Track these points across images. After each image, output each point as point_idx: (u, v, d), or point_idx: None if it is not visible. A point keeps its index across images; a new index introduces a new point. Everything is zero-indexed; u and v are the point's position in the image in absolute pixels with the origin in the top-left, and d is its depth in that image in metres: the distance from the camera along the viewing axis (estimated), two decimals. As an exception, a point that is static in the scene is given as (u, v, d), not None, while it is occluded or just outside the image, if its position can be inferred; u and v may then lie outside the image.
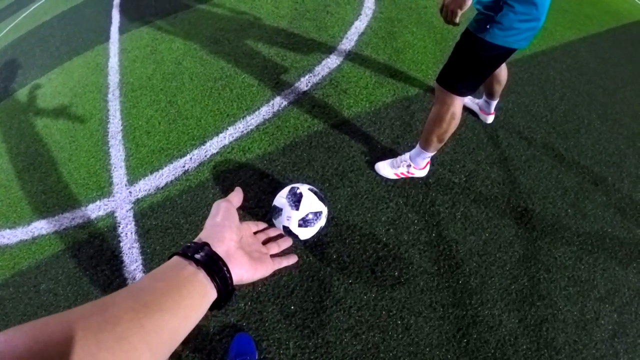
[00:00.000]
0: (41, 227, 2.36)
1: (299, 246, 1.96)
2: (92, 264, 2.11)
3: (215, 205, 0.54)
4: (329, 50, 2.97)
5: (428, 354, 1.66)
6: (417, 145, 2.01)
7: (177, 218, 2.15)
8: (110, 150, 2.60)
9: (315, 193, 1.81)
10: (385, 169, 2.18)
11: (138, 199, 2.29)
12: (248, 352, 1.68)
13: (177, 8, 3.80)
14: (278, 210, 1.79)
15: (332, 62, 2.87)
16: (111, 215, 2.27)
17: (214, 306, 0.46)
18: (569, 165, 2.31)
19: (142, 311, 0.36)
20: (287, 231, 1.73)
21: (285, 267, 0.59)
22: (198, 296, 0.42)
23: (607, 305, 1.79)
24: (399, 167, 2.13)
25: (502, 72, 2.16)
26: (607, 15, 3.77)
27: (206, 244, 0.47)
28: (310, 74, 2.80)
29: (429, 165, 2.15)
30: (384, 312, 1.76)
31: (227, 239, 0.49)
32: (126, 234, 2.17)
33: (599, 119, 2.63)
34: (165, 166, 2.41)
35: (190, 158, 2.42)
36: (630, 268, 1.94)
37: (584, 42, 3.30)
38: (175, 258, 0.45)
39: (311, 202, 1.78)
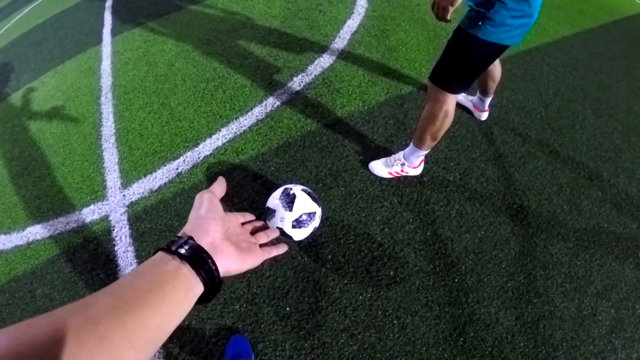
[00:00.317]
0: (36, 232, 2.34)
1: (293, 247, 1.94)
2: (88, 268, 2.09)
3: (198, 197, 0.53)
4: (322, 49, 2.94)
5: (425, 353, 1.64)
6: (411, 144, 1.99)
7: (171, 221, 2.12)
8: (103, 153, 2.58)
9: (308, 194, 1.79)
10: (379, 168, 2.16)
11: (132, 202, 2.26)
12: (244, 354, 1.67)
13: (169, 9, 3.77)
14: (271, 212, 1.76)
15: (324, 61, 2.84)
16: (105, 219, 2.24)
17: (202, 300, 0.45)
18: (564, 161, 2.30)
19: (124, 309, 0.36)
20: (281, 232, 1.70)
21: (275, 256, 0.58)
22: (182, 291, 0.41)
23: (604, 301, 1.78)
24: (392, 166, 2.11)
25: (496, 69, 2.14)
26: (600, 11, 3.75)
27: (190, 238, 0.46)
28: (303, 74, 2.77)
29: (423, 164, 2.13)
30: (379, 312, 1.75)
31: (211, 231, 0.48)
32: (120, 237, 2.14)
33: (593, 114, 2.61)
34: (159, 169, 2.38)
35: (184, 160, 2.39)
36: (627, 263, 1.92)
37: (577, 38, 3.27)
38: (160, 253, 0.44)
39: (304, 203, 1.76)
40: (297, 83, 2.71)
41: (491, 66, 2.05)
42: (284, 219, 1.73)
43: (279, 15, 3.33)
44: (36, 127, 2.97)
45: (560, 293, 1.79)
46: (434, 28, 3.13)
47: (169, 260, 0.42)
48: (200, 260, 0.44)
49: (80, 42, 3.78)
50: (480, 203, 2.08)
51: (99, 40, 3.65)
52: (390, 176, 2.15)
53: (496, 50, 1.49)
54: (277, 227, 1.73)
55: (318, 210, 1.78)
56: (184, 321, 1.83)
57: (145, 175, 2.37)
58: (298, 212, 1.73)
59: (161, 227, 2.12)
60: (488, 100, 2.36)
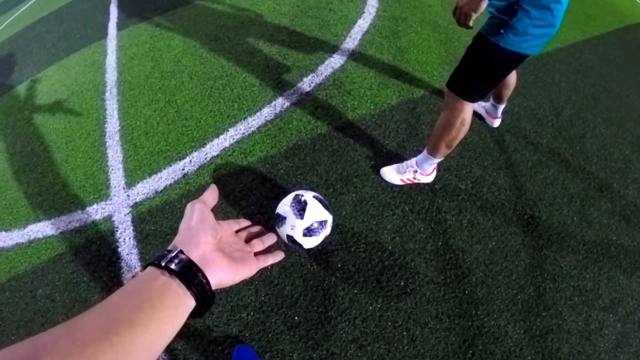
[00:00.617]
0: (37, 230, 2.26)
1: (302, 255, 1.87)
2: (90, 270, 2.01)
3: (188, 207, 0.51)
4: (332, 49, 2.83)
5: (433, 366, 1.58)
6: (424, 151, 1.92)
7: (176, 223, 2.00)
8: (107, 151, 2.48)
9: (320, 201, 1.71)
10: (391, 174, 2.09)
11: (136, 203, 2.17)
12: None
13: (176, 4, 3.64)
14: (282, 219, 1.69)
15: (335, 61, 2.74)
16: (109, 219, 2.16)
17: (195, 314, 0.44)
18: (575, 171, 2.24)
19: (111, 330, 0.34)
20: (292, 240, 1.64)
21: (271, 265, 0.56)
22: (173, 307, 0.40)
23: (611, 315, 1.74)
24: (405, 172, 2.05)
25: (512, 76, 2.07)
26: (610, 16, 3.66)
27: (180, 251, 0.44)
28: (313, 74, 2.67)
29: (435, 171, 2.06)
30: (389, 323, 1.70)
31: (202, 243, 0.47)
32: (124, 239, 2.06)
33: (604, 123, 2.55)
34: (164, 169, 2.29)
35: (190, 160, 2.30)
36: (635, 277, 1.88)
37: (588, 44, 3.19)
38: (149, 269, 0.42)
39: (316, 211, 1.68)
40: (307, 83, 2.61)
41: None
42: (294, 227, 1.65)
43: (289, 13, 3.22)
44: (39, 121, 2.86)
45: (569, 306, 1.74)
46: (446, 30, 3.04)
47: (158, 276, 0.41)
48: (190, 275, 0.42)
49: (85, 35, 3.65)
50: (491, 213, 2.03)
51: (104, 34, 3.53)
52: (402, 183, 2.08)
53: (517, 59, 1.45)
54: (287, 235, 1.67)
55: (330, 218, 1.70)
56: (189, 328, 1.76)
57: (150, 175, 2.27)
58: (309, 220, 1.65)
59: (166, 230, 2.03)
60: (501, 108, 2.30)
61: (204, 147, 2.35)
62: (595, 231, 1.99)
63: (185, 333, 1.71)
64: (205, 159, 2.28)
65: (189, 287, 0.41)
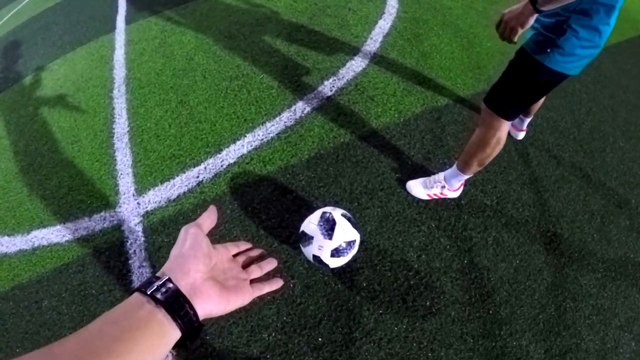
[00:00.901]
0: (42, 236, 2.11)
1: (326, 273, 1.75)
2: (99, 283, 1.87)
3: (182, 231, 0.48)
4: (353, 51, 2.66)
5: (457, 388, 1.51)
6: (455, 167, 1.81)
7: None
8: (115, 154, 2.31)
9: (349, 219, 1.59)
10: (418, 188, 1.96)
11: (147, 212, 2.01)
12: None
13: (187, -3, 3.43)
14: (309, 238, 1.55)
15: (357, 64, 2.56)
16: (117, 228, 2.00)
17: (180, 343, 0.41)
18: (595, 186, 2.17)
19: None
20: (318, 260, 1.53)
21: (268, 293, 0.53)
22: (155, 338, 0.38)
23: (627, 334, 1.70)
24: (432, 187, 1.93)
25: None
26: (625, 24, 3.51)
27: (168, 279, 0.42)
28: (335, 77, 2.49)
29: (462, 187, 1.95)
30: (414, 344, 1.61)
31: (192, 271, 0.44)
32: (135, 250, 1.91)
33: (623, 136, 2.46)
34: (177, 176, 2.12)
35: (205, 167, 2.13)
36: (650, 295, 1.84)
37: (605, 52, 3.01)
38: (135, 295, 0.40)
39: (345, 231, 1.54)
40: (328, 87, 2.44)
41: None
42: (322, 247, 1.52)
43: (306, 11, 3.02)
44: (43, 119, 2.68)
45: (587, 325, 1.70)
46: (467, 35, 2.88)
47: (143, 304, 0.39)
48: (176, 306, 0.40)
49: (93, 28, 3.45)
50: (516, 230, 1.94)
51: (112, 28, 3.32)
52: (428, 198, 1.96)
53: (560, 79, 1.36)
54: (314, 255, 1.52)
55: (358, 238, 1.59)
56: (207, 348, 1.62)
57: (162, 182, 2.11)
58: (338, 241, 1.52)
59: (180, 242, 1.87)
60: (528, 121, 2.21)
61: (219, 153, 2.18)
62: (614, 249, 1.94)
63: (203, 353, 1.60)
64: (222, 166, 2.11)
65: (174, 318, 0.39)
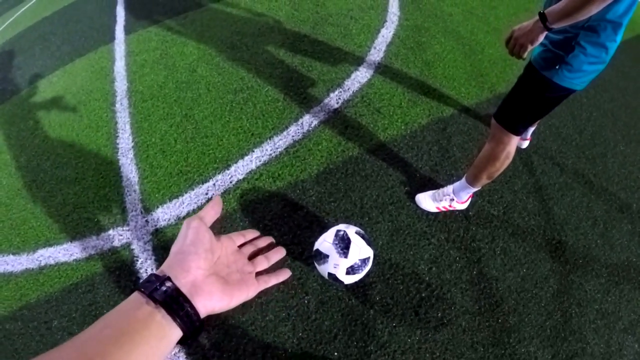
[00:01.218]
0: (48, 255, 2.10)
1: (340, 289, 1.78)
2: (110, 303, 1.87)
3: (184, 225, 0.47)
4: (358, 61, 2.67)
5: (468, 397, 1.55)
6: (464, 180, 1.84)
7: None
8: (121, 169, 2.30)
9: (362, 236, 1.62)
10: (427, 201, 1.99)
11: (157, 230, 2.01)
12: None
13: (187, 7, 3.41)
14: (324, 257, 1.58)
15: (362, 75, 2.58)
16: (127, 247, 2.00)
17: (181, 342, 0.41)
18: (597, 192, 2.21)
19: None
20: (333, 278, 1.56)
21: (275, 285, 0.52)
22: (155, 340, 0.37)
23: (630, 336, 1.75)
24: (441, 200, 1.96)
25: None
26: (624, 25, 3.56)
27: (167, 278, 0.41)
28: (340, 89, 2.51)
29: (470, 199, 1.98)
30: (427, 355, 1.65)
31: (193, 268, 0.43)
32: (146, 269, 1.91)
33: (623, 140, 2.50)
34: (186, 192, 2.12)
35: (214, 184, 2.13)
36: (652, 297, 1.90)
37: (605, 55, 3.09)
38: (135, 295, 0.39)
39: (360, 248, 1.57)
40: (334, 99, 2.45)
41: None
42: (337, 266, 1.55)
43: (308, 20, 3.02)
44: (44, 133, 2.65)
45: (592, 330, 1.74)
46: (469, 42, 2.91)
47: (141, 305, 0.38)
48: (175, 306, 0.39)
49: (91, 38, 3.42)
50: (522, 239, 1.98)
51: (111, 38, 3.29)
52: (437, 210, 1.99)
53: (567, 94, 1.40)
54: (329, 273, 1.55)
55: (372, 254, 1.62)
56: None
57: (170, 200, 2.11)
58: (353, 259, 1.56)
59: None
60: (532, 129, 2.24)
61: (228, 169, 2.18)
62: (616, 254, 1.98)
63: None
64: (231, 182, 2.11)
65: (174, 318, 0.38)
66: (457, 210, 2.00)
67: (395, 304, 1.75)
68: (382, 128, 2.30)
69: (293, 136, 2.28)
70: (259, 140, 2.29)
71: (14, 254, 2.16)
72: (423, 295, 1.78)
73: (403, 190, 2.06)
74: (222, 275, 0.46)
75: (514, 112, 1.50)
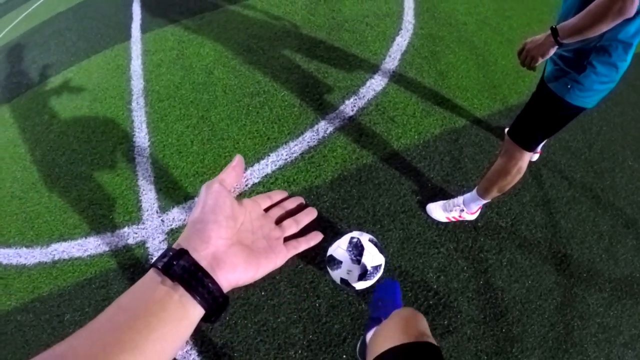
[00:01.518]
0: (62, 250, 2.17)
1: (350, 293, 1.85)
2: None
3: (203, 189, 0.43)
4: (373, 69, 2.75)
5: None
6: (474, 191, 1.91)
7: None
8: (137, 168, 2.37)
9: (375, 244, 1.70)
10: (437, 211, 2.06)
11: (172, 230, 2.09)
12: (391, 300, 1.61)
13: (203, 7, 3.49)
14: (337, 263, 1.67)
15: (377, 83, 2.66)
16: (142, 245, 2.07)
17: (206, 318, 0.38)
18: (604, 207, 2.25)
19: (99, 356, 0.30)
20: (345, 283, 1.64)
21: (305, 250, 0.48)
22: (174, 321, 0.34)
23: (630, 351, 1.78)
24: (451, 211, 2.02)
25: None
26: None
27: (184, 252, 0.37)
28: (356, 97, 2.58)
29: (479, 210, 2.05)
30: None
31: (213, 238, 0.39)
32: (160, 268, 1.96)
33: (632, 155, 2.54)
34: (202, 194, 2.19)
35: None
36: (653, 313, 1.95)
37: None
38: (150, 273, 0.37)
39: (373, 255, 1.66)
40: (349, 107, 2.52)
41: None
42: (351, 272, 1.63)
43: (324, 25, 3.11)
44: (59, 129, 2.73)
45: (593, 343, 1.78)
46: (483, 52, 2.97)
47: (157, 284, 0.35)
48: (194, 282, 0.36)
49: (107, 36, 3.49)
50: (529, 251, 2.04)
51: (127, 36, 3.37)
52: (447, 220, 2.06)
53: (578, 112, 1.44)
54: (342, 278, 1.64)
55: (384, 261, 1.70)
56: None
57: (185, 200, 2.18)
58: (366, 266, 1.64)
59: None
60: (543, 142, 2.27)
61: (244, 172, 2.23)
62: (620, 269, 2.02)
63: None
64: (246, 185, 2.19)
65: (194, 296, 0.36)
66: (467, 221, 2.06)
67: None
68: (395, 137, 2.37)
69: (308, 142, 2.36)
70: (275, 144, 2.37)
71: (27, 247, 2.23)
72: (431, 302, 1.85)
73: (414, 199, 2.13)
74: (246, 243, 0.43)
75: (527, 129, 1.56)
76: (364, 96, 2.58)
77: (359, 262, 1.65)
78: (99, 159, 2.48)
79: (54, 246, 2.18)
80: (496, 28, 3.18)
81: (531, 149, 1.59)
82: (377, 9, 3.23)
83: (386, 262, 1.90)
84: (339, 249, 1.70)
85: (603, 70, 1.28)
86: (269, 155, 2.31)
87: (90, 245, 2.13)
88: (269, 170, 2.24)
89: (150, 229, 2.11)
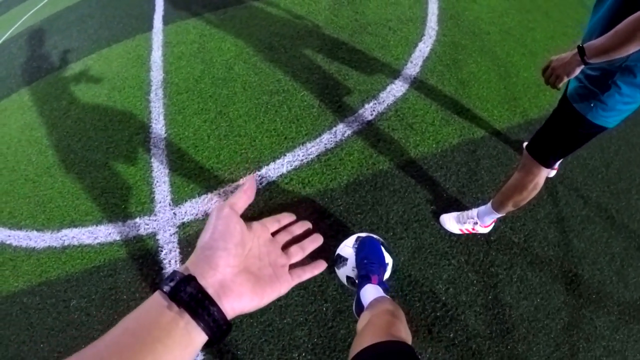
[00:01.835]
0: (72, 236, 2.21)
1: None
2: (131, 289, 1.96)
3: (213, 213, 0.43)
4: (394, 74, 2.75)
5: None
6: (489, 205, 1.90)
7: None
8: (152, 159, 2.40)
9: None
10: (451, 223, 2.05)
11: (184, 223, 2.11)
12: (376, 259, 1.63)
13: (227, 2, 3.51)
14: (343, 260, 1.71)
15: (397, 89, 2.66)
16: (152, 237, 2.09)
17: (208, 344, 0.39)
18: (618, 228, 2.23)
19: None
20: (351, 282, 1.67)
21: (309, 279, 0.48)
22: (179, 349, 0.35)
23: None
24: (465, 223, 2.02)
25: None
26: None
27: (192, 278, 0.38)
28: (375, 101, 2.59)
29: (493, 224, 2.04)
30: None
31: (221, 266, 0.40)
32: (170, 261, 2.00)
33: None
34: (215, 189, 2.22)
35: (244, 184, 2.21)
36: (660, 340, 1.93)
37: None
38: (157, 296, 0.37)
39: None
40: (368, 111, 2.53)
41: None
42: (356, 269, 1.66)
43: (347, 27, 3.12)
44: (77, 115, 2.77)
45: None
46: (505, 63, 2.96)
47: (163, 309, 0.36)
48: (200, 310, 0.36)
49: (129, 25, 3.54)
50: (540, 269, 2.03)
51: (149, 27, 3.41)
52: (460, 232, 2.05)
53: (599, 131, 1.43)
54: (347, 276, 1.67)
55: (390, 262, 1.72)
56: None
57: (199, 195, 2.20)
58: None
59: (216, 258, 1.97)
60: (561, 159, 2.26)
61: (259, 170, 2.28)
62: (630, 292, 2.01)
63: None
64: (261, 184, 2.21)
65: (198, 323, 0.36)
66: (479, 234, 2.05)
67: (410, 320, 1.78)
68: (413, 144, 2.37)
69: (326, 144, 2.37)
70: (292, 144, 2.38)
71: (37, 230, 2.27)
72: (438, 314, 1.84)
73: (429, 208, 2.13)
74: (253, 270, 0.44)
75: (546, 145, 1.55)
76: (383, 101, 2.58)
77: (364, 259, 1.67)
78: (114, 147, 2.51)
79: (65, 231, 2.22)
80: (519, 39, 3.17)
81: (549, 165, 1.58)
82: (400, 13, 3.24)
83: (396, 270, 1.92)
84: (346, 247, 1.74)
85: (627, 90, 1.27)
86: (285, 155, 2.33)
87: (101, 233, 2.16)
88: (284, 170, 2.25)
89: (162, 221, 2.13)
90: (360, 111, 2.53)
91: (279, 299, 1.95)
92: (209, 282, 0.39)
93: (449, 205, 2.15)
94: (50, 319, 1.93)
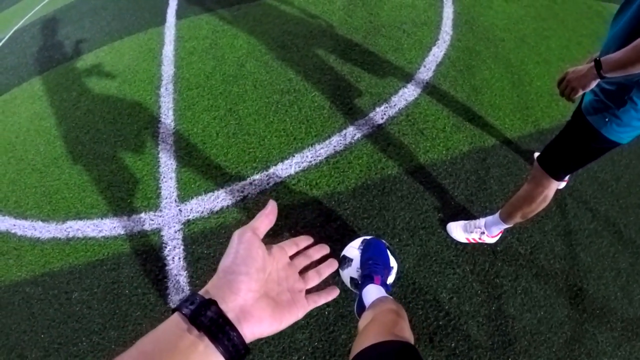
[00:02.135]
0: (77, 228, 2.22)
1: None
2: (133, 284, 1.97)
3: (235, 237, 0.44)
4: (406, 77, 2.74)
5: None
6: (497, 215, 1.89)
7: (232, 252, 1.97)
8: (159, 155, 2.41)
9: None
10: (457, 231, 2.04)
11: (189, 220, 2.12)
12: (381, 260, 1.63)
13: (240, -1, 3.53)
14: (348, 261, 1.71)
15: (409, 93, 2.65)
16: (157, 232, 2.10)
17: None
18: (625, 243, 2.21)
19: None
20: (355, 283, 1.67)
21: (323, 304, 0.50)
22: None
23: None
24: (472, 232, 2.01)
25: None
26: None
27: (213, 303, 0.38)
28: (387, 105, 2.58)
29: (500, 234, 2.03)
30: None
31: (242, 291, 0.40)
32: (173, 257, 2.00)
33: None
34: (222, 187, 2.22)
35: (251, 183, 2.22)
36: (662, 360, 1.91)
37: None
38: (175, 319, 0.37)
39: None
40: (379, 114, 2.52)
41: None
42: (360, 271, 1.66)
43: (361, 28, 3.11)
44: (86, 107, 2.78)
45: None
46: (518, 71, 2.94)
47: (183, 333, 0.36)
48: (220, 335, 0.37)
49: (142, 19, 3.55)
50: (545, 281, 2.02)
51: (162, 21, 3.42)
52: (466, 241, 2.05)
53: (613, 146, 1.42)
54: (351, 278, 1.67)
55: (395, 266, 1.73)
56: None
57: (205, 192, 2.21)
58: None
59: (220, 256, 1.96)
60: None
61: (267, 170, 2.27)
62: (634, 309, 1.99)
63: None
64: (268, 184, 2.21)
65: (217, 347, 0.36)
66: (486, 244, 2.05)
67: (412, 327, 1.77)
68: (423, 150, 2.36)
69: (335, 146, 2.36)
70: (301, 145, 2.38)
71: (43, 220, 2.29)
72: (440, 323, 1.84)
73: (436, 216, 2.12)
74: (272, 295, 0.44)
75: (558, 158, 1.54)
76: (395, 105, 2.57)
77: (369, 260, 1.67)
78: (122, 141, 2.53)
79: (70, 223, 2.23)
80: (534, 47, 3.14)
81: (560, 178, 1.57)
82: (415, 16, 3.22)
83: (400, 277, 1.91)
84: (351, 248, 1.75)
85: None
86: (294, 156, 2.33)
87: (106, 227, 2.17)
88: (292, 171, 2.25)
89: (167, 218, 2.14)
90: (371, 114, 2.52)
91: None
92: (230, 307, 0.39)
93: (457, 213, 2.14)
94: (51, 310, 1.95)
